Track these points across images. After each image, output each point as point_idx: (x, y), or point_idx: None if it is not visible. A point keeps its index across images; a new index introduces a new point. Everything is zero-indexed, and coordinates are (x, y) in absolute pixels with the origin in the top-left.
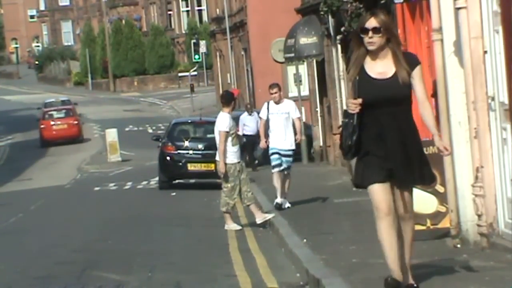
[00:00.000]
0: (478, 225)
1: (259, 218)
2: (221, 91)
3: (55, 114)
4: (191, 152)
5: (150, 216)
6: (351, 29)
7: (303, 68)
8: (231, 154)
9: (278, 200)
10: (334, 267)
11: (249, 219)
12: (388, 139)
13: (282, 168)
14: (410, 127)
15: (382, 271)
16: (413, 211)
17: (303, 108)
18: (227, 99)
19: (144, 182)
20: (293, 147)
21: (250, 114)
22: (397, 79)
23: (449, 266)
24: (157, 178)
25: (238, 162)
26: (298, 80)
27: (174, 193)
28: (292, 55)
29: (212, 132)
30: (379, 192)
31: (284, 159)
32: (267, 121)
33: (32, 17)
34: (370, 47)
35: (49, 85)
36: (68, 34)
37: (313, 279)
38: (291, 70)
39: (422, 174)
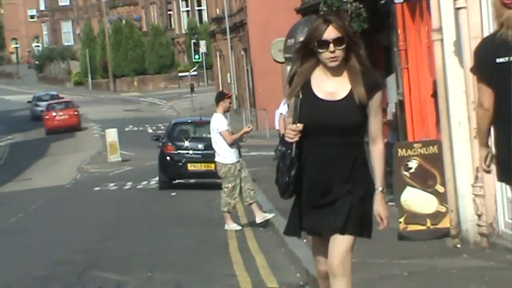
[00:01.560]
0: (478, 225)
1: (259, 217)
2: None
3: (57, 106)
4: (191, 152)
5: (150, 216)
6: (351, 29)
7: None
8: (230, 154)
9: None
10: None
11: (249, 219)
12: (331, 178)
13: None
14: (360, 165)
15: (382, 271)
16: (348, 267)
17: None
18: (216, 99)
19: (144, 182)
20: None
21: None
22: (351, 102)
23: (449, 266)
24: (157, 178)
25: (238, 161)
26: None
27: (174, 193)
28: (292, 55)
29: None
30: (316, 246)
31: None
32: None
33: (32, 17)
34: (332, 64)
35: (49, 85)
36: (68, 34)
37: (313, 279)
38: None
39: (361, 224)
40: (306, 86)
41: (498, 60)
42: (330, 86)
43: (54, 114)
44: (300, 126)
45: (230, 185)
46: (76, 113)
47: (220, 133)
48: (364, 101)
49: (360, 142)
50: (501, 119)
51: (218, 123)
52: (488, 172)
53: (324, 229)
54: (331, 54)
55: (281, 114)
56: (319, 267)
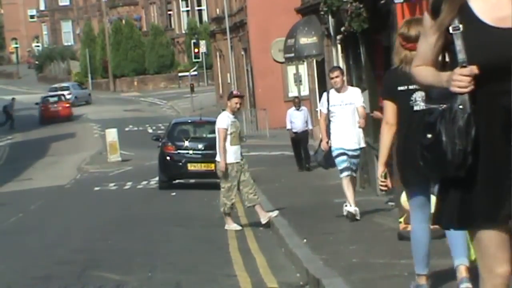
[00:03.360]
0: None
1: (264, 218)
2: (221, 91)
3: (51, 99)
4: (191, 152)
5: (150, 216)
6: (351, 29)
7: (303, 68)
8: (229, 154)
9: (351, 209)
10: (334, 267)
11: (249, 219)
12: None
13: (351, 172)
14: None
15: (382, 271)
16: None
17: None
18: (227, 98)
19: (144, 182)
20: (362, 145)
21: (297, 109)
22: None
23: (449, 266)
24: (157, 178)
25: (237, 163)
26: (298, 80)
27: (174, 193)
28: (292, 55)
29: (213, 132)
30: (492, 242)
31: (351, 160)
32: (328, 114)
33: (32, 17)
34: None
35: (49, 85)
36: (68, 34)
37: (313, 279)
38: (291, 70)
39: None
40: (465, 12)
41: (399, 88)
42: (501, 8)
43: (49, 106)
44: (474, 68)
45: (226, 186)
46: (68, 105)
47: (217, 128)
48: None
49: None
50: (400, 130)
51: (218, 120)
52: (384, 187)
53: None
54: None
55: (320, 111)
56: (498, 269)
